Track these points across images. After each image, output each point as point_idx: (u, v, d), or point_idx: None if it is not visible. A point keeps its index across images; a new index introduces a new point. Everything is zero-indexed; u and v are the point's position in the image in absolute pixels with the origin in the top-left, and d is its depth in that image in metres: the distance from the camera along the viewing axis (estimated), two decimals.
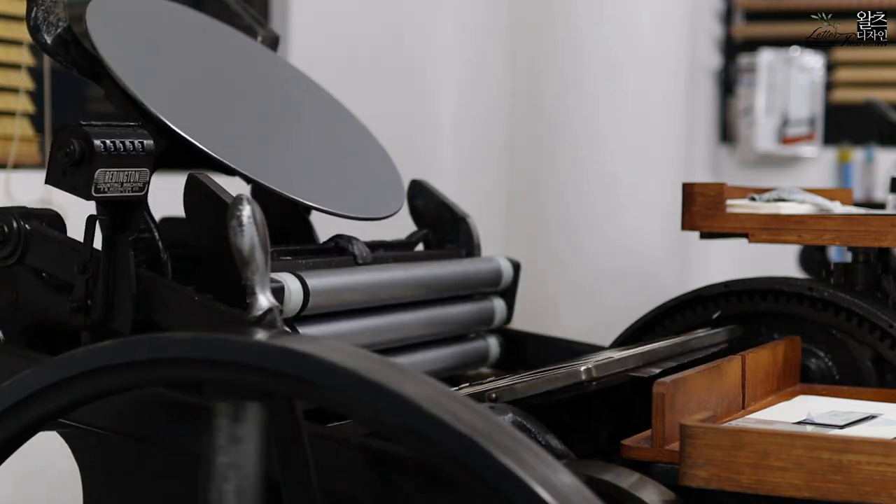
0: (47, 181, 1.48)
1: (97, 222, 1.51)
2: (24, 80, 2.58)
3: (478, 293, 1.90)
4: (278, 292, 1.47)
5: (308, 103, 1.98)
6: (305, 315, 1.54)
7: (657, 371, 1.59)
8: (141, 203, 1.52)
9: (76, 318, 1.51)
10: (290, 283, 1.51)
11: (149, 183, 1.51)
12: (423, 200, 1.93)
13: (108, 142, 1.45)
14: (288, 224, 1.88)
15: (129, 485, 1.49)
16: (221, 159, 1.61)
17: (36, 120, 2.62)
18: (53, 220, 1.61)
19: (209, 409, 1.14)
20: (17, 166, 2.54)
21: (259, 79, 1.95)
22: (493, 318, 1.91)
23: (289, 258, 1.59)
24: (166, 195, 1.71)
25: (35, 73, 2.62)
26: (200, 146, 1.60)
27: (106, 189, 1.46)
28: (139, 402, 1.39)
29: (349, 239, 1.70)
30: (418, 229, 1.92)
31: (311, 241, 1.87)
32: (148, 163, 1.50)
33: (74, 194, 1.47)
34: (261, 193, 1.78)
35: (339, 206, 1.72)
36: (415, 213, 1.93)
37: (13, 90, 2.56)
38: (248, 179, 1.68)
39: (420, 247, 1.91)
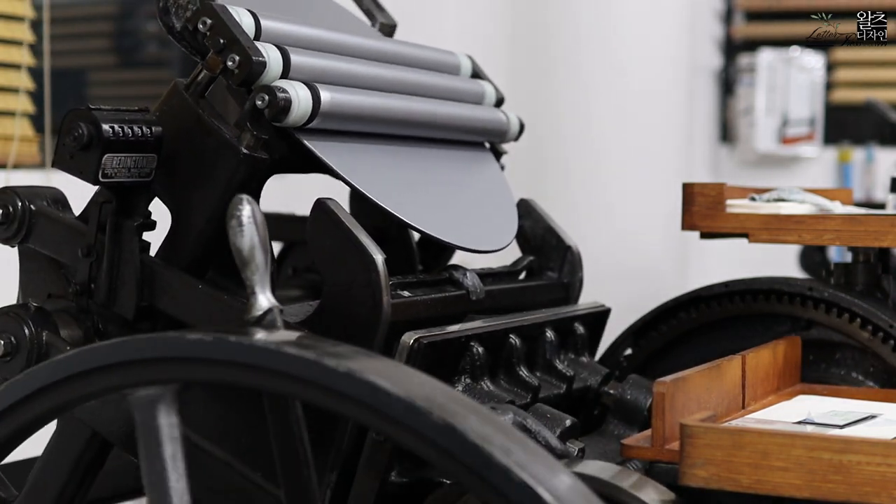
0: (54, 164, 1.47)
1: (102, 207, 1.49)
2: (24, 80, 2.58)
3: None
4: None
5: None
6: None
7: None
8: (148, 188, 1.51)
9: (79, 301, 1.51)
10: None
11: (156, 168, 1.49)
12: (530, 222, 1.84)
13: (116, 126, 1.44)
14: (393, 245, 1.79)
15: None
16: (355, 184, 1.54)
17: (36, 120, 2.63)
18: (58, 200, 1.59)
19: None
20: (17, 166, 2.54)
21: None
22: None
23: (407, 293, 1.53)
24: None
25: (35, 73, 2.62)
26: (342, 174, 1.52)
27: (113, 174, 1.45)
28: None
29: (464, 272, 1.65)
30: (523, 255, 1.84)
31: (411, 262, 1.82)
32: (156, 149, 1.48)
33: (81, 178, 1.46)
34: (364, 206, 1.68)
35: (454, 236, 1.65)
36: (520, 235, 1.84)
37: (13, 90, 2.56)
38: (362, 195, 1.56)
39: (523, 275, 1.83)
